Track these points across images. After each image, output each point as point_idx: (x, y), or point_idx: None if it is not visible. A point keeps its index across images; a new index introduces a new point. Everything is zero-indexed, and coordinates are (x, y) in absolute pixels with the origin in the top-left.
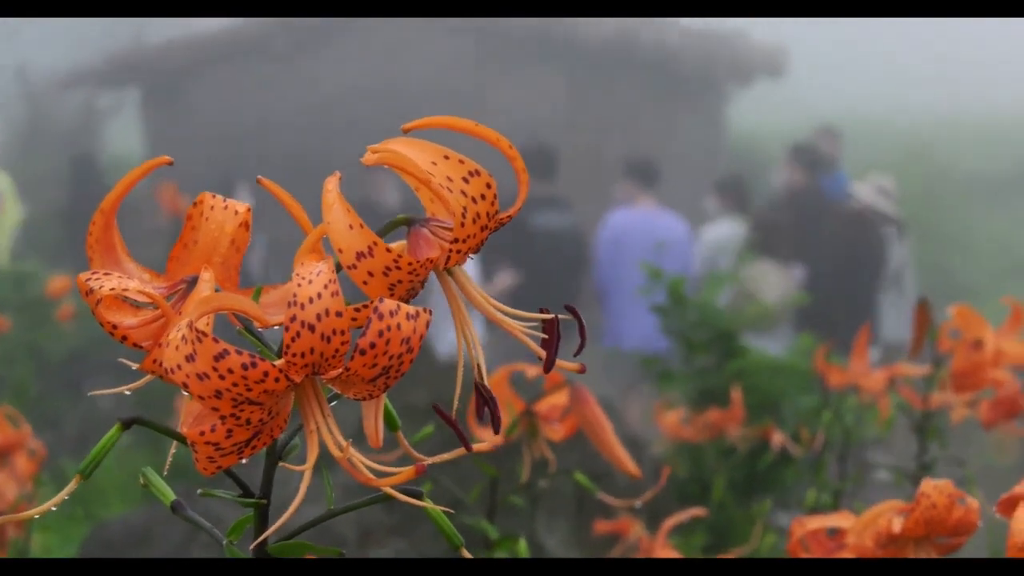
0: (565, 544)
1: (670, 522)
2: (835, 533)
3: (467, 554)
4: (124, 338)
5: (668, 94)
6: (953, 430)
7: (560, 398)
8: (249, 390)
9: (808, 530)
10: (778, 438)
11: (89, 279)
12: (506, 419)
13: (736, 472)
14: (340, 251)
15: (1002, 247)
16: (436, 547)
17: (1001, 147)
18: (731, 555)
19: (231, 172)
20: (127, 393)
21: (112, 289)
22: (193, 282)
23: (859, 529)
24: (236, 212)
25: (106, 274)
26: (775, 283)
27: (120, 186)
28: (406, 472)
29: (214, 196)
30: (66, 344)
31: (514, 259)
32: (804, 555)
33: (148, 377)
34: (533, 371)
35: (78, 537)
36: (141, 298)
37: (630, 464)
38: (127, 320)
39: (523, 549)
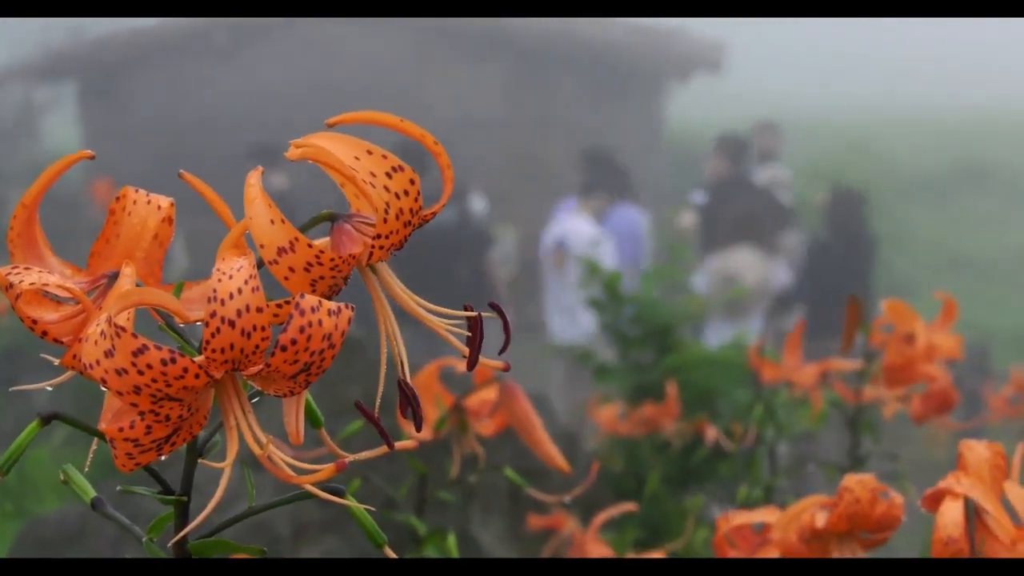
0: (499, 539)
1: (601, 517)
2: (761, 528)
3: (390, 552)
4: (44, 333)
5: (607, 89)
6: (886, 425)
7: (490, 393)
8: (168, 386)
9: (734, 525)
10: (712, 433)
11: (9, 273)
12: (436, 414)
13: (670, 467)
14: (261, 246)
15: (939, 243)
16: (369, 543)
17: (938, 144)
18: (664, 550)
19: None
20: (48, 389)
21: (32, 284)
22: (114, 277)
23: (783, 524)
24: (159, 207)
25: (26, 268)
26: (754, 268)
27: (42, 179)
28: (326, 469)
29: (136, 190)
30: (1, 341)
31: (407, 252)
32: (730, 550)
33: (70, 373)
34: (463, 366)
35: (10, 534)
36: (61, 293)
37: (560, 459)
38: (48, 315)
39: (452, 545)
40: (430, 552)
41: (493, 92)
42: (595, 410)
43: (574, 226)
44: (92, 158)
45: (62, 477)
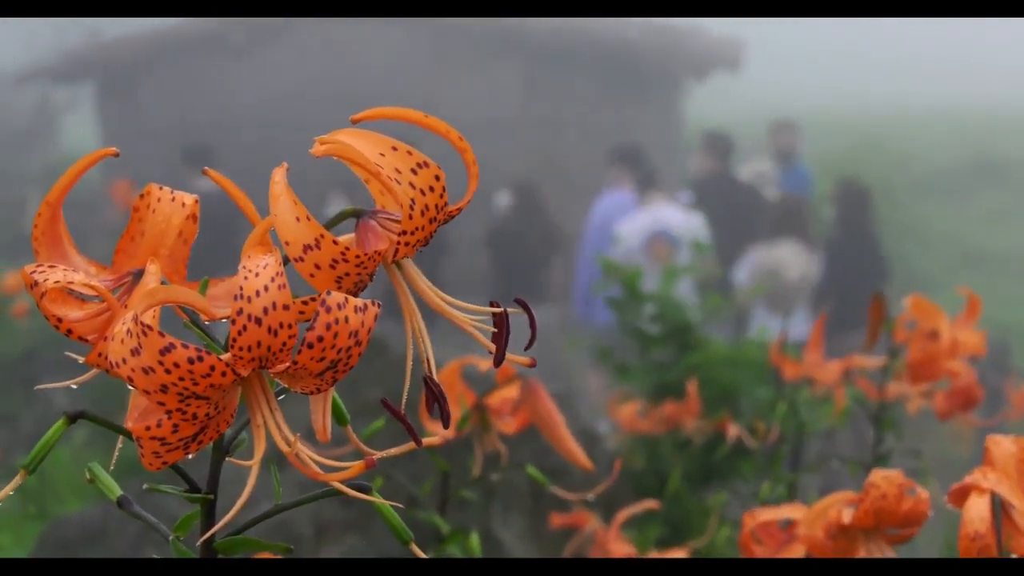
0: (521, 538)
1: (623, 514)
2: (787, 525)
3: (416, 549)
4: (69, 331)
5: (624, 88)
6: (907, 421)
7: (512, 391)
8: (195, 384)
9: (760, 522)
10: (734, 430)
11: (34, 272)
12: (458, 413)
13: (691, 465)
14: (287, 243)
15: (955, 238)
16: (392, 543)
17: (954, 140)
18: (687, 548)
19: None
20: (73, 387)
21: (57, 282)
22: (139, 275)
23: (809, 520)
24: (183, 204)
25: (51, 267)
26: (797, 261)
27: (65, 178)
28: (355, 467)
29: (160, 188)
30: (20, 342)
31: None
32: (756, 547)
33: (94, 371)
34: (485, 364)
35: (33, 535)
36: (86, 291)
37: (582, 457)
38: (72, 313)
39: (475, 543)
40: (453, 550)
41: (509, 92)
42: (616, 408)
43: (667, 215)
44: (116, 155)
45: (88, 476)
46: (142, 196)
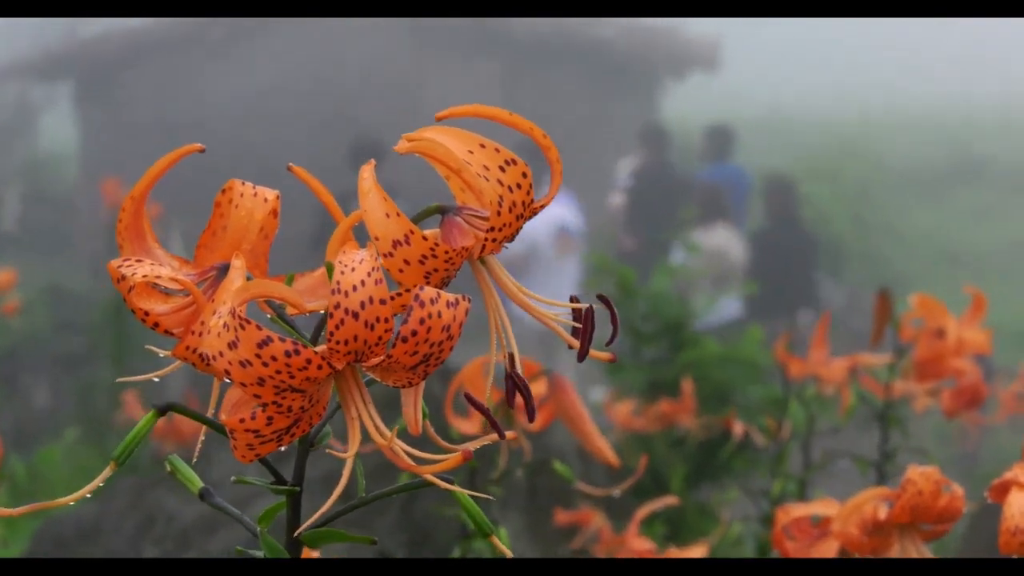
0: (519, 536)
1: (643, 511)
2: (818, 521)
3: (497, 542)
4: (156, 325)
5: (602, 86)
6: (910, 420)
7: (538, 387)
8: (292, 377)
9: (792, 518)
10: (739, 427)
11: (121, 266)
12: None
13: (687, 462)
14: (376, 239)
15: (935, 237)
16: (394, 542)
17: (933, 139)
18: (700, 546)
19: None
20: None
21: (145, 276)
22: (223, 269)
23: (844, 516)
24: (265, 200)
25: (138, 261)
26: (733, 243)
27: (151, 173)
28: (452, 459)
29: (243, 183)
30: (3, 340)
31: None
32: (788, 543)
33: (177, 364)
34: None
35: (27, 532)
36: (173, 285)
37: (609, 453)
38: (158, 307)
39: (504, 537)
40: (480, 546)
41: (488, 89)
42: (610, 406)
43: (557, 211)
44: (202, 151)
45: (168, 468)
46: (224, 191)
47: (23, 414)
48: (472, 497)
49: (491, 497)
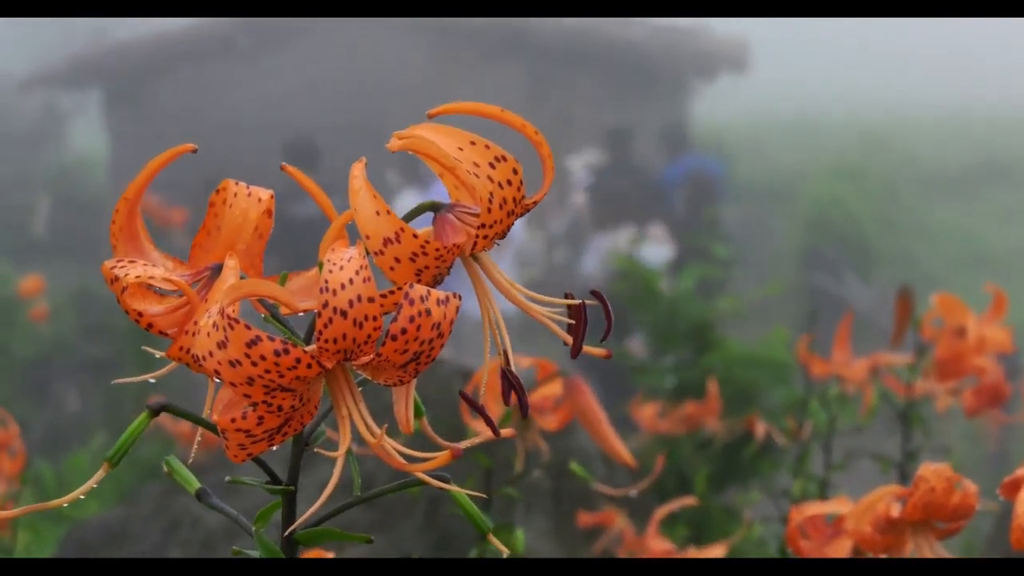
0: (543, 537)
1: (661, 512)
2: (833, 520)
3: (495, 541)
4: (150, 326)
5: (630, 89)
6: (932, 419)
7: (553, 388)
8: (281, 376)
9: (806, 517)
10: (761, 428)
11: (114, 267)
12: (500, 411)
13: (712, 464)
14: (367, 237)
15: (963, 238)
16: (414, 544)
17: (961, 140)
18: (718, 547)
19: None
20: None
21: (138, 277)
22: (217, 269)
23: (857, 515)
24: (259, 199)
25: (131, 262)
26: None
27: (143, 175)
28: (441, 457)
29: (237, 183)
30: (34, 346)
31: (277, 248)
32: (802, 542)
33: (172, 365)
34: (525, 361)
35: (53, 537)
36: (167, 286)
37: (626, 453)
38: (152, 308)
39: (520, 539)
40: (494, 548)
41: (514, 92)
42: (636, 409)
43: None
44: (194, 151)
45: (166, 469)
46: (218, 191)
47: (53, 420)
48: (491, 499)
49: (515, 495)
